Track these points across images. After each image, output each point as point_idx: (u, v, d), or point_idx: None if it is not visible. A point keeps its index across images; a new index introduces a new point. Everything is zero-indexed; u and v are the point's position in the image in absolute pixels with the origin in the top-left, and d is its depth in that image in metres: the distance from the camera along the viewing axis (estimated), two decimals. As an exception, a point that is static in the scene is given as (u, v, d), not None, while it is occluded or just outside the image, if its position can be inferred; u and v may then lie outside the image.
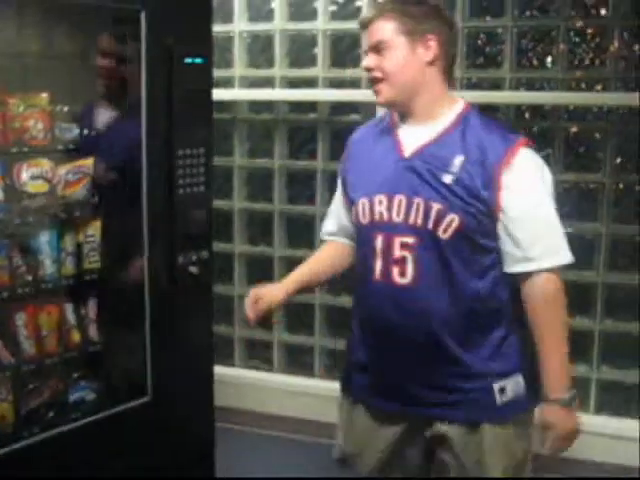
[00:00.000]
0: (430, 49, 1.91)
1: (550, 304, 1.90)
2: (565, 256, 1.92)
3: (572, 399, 1.90)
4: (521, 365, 1.96)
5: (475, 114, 1.98)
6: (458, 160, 1.88)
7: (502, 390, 1.94)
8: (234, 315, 3.98)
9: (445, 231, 1.87)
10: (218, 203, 3.41)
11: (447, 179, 1.88)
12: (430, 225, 1.88)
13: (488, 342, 1.94)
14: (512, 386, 1.95)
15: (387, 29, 1.91)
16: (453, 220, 1.87)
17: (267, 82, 3.84)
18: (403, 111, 1.99)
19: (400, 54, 1.91)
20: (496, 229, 1.89)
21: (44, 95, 2.48)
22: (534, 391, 1.96)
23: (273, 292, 2.13)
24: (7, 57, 2.46)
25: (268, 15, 3.82)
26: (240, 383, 3.91)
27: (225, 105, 3.80)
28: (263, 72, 3.86)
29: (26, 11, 2.49)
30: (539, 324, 1.91)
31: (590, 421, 3.19)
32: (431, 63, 1.92)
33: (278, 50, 3.80)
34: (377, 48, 1.93)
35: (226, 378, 3.61)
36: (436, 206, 1.87)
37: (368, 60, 1.96)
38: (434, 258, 1.90)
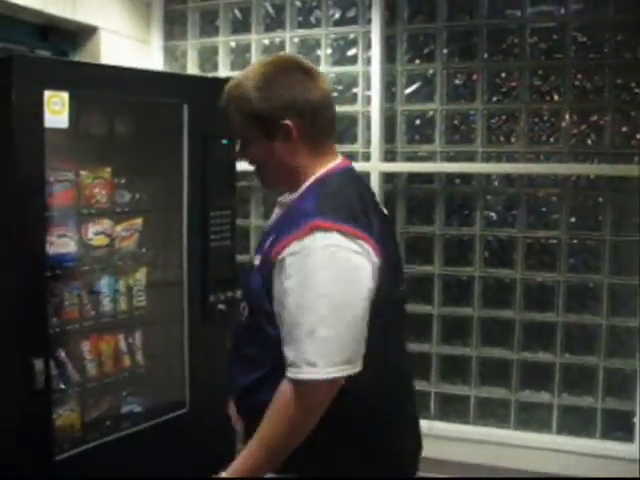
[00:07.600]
0: (289, 133, 1.69)
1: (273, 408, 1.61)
2: (313, 373, 1.53)
3: None
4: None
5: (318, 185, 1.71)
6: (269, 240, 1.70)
7: None
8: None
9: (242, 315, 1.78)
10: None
11: (257, 260, 1.73)
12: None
13: None
14: None
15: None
16: (245, 307, 1.76)
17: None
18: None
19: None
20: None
21: (107, 169, 2.99)
22: None
23: None
24: (81, 140, 2.96)
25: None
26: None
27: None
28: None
29: (96, 104, 2.99)
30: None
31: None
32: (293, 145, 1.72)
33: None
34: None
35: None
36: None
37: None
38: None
